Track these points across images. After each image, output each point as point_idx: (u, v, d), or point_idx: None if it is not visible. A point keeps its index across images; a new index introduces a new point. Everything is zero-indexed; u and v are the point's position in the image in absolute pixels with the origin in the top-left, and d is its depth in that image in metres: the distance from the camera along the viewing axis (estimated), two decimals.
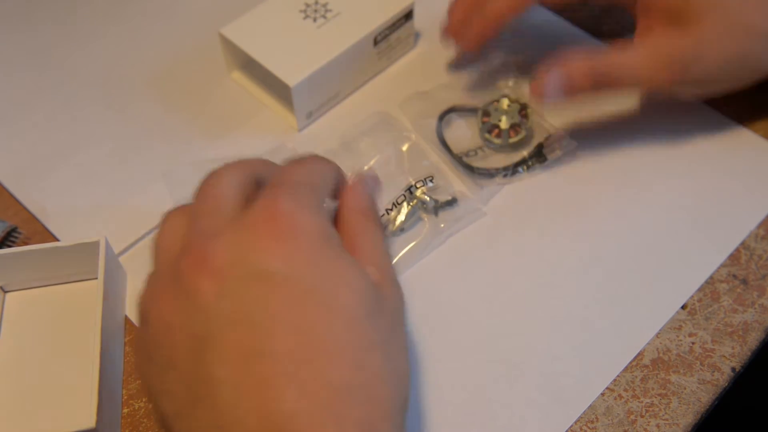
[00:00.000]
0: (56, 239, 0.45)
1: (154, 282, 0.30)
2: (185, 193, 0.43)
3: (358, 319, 0.28)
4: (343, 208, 0.33)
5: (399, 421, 0.28)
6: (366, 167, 0.46)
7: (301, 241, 0.28)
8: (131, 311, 0.42)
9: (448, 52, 0.51)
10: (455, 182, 0.45)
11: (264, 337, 0.26)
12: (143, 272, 0.43)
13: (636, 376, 0.39)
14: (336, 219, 0.33)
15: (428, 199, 0.44)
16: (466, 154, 0.46)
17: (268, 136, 0.48)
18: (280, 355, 0.26)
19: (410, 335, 0.40)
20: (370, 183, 0.35)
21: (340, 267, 0.28)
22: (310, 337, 0.26)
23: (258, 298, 0.27)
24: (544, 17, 0.53)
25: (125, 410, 0.39)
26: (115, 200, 0.46)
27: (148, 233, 0.44)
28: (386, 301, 0.30)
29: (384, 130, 0.47)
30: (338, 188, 0.34)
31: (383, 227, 0.34)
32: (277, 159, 0.35)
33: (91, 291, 0.41)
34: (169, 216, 0.32)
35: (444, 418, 0.37)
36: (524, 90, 0.49)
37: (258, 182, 0.32)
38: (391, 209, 0.44)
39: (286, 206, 0.28)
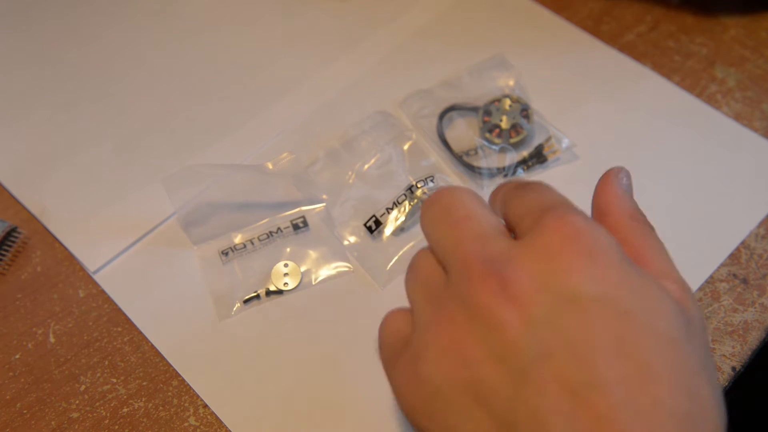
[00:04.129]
0: (56, 239, 0.45)
1: (427, 316, 0.28)
2: (184, 198, 0.43)
3: (678, 342, 0.25)
4: (610, 216, 0.30)
5: None
6: (366, 166, 0.46)
7: (608, 259, 0.25)
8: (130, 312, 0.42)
9: None
10: (455, 182, 0.45)
11: (588, 366, 0.24)
12: (144, 271, 0.43)
13: None
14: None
15: None
16: (467, 154, 0.46)
17: (269, 135, 0.48)
18: (612, 385, 0.23)
19: None
20: (624, 179, 0.31)
21: (647, 286, 0.26)
22: (638, 362, 0.24)
23: (573, 325, 0.24)
24: (545, 17, 0.53)
25: (125, 410, 0.39)
26: (115, 200, 0.46)
27: (148, 233, 0.44)
28: (693, 322, 0.27)
29: (384, 129, 0.47)
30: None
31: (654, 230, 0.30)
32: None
33: None
34: (418, 255, 0.30)
35: None
36: (525, 90, 0.49)
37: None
38: (392, 209, 0.44)
39: (583, 223, 0.26)
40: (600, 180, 0.31)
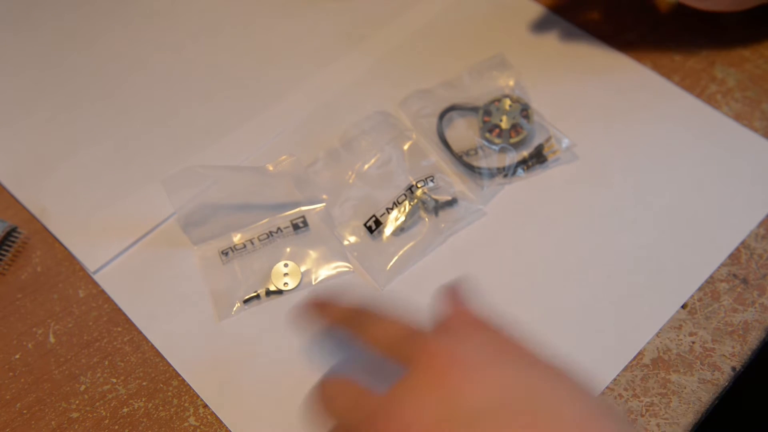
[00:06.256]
0: (56, 239, 0.45)
1: None
2: (184, 199, 0.43)
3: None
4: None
5: None
6: (366, 166, 0.46)
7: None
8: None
9: None
10: (456, 182, 0.45)
11: None
12: (144, 271, 0.43)
13: (636, 376, 0.39)
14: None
15: (429, 198, 0.44)
16: (467, 154, 0.46)
17: (269, 135, 0.48)
18: None
19: None
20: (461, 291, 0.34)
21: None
22: None
23: None
24: (544, 17, 0.53)
25: (125, 410, 0.39)
26: (115, 200, 0.46)
27: (148, 233, 0.44)
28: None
29: (385, 129, 0.47)
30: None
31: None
32: None
33: None
34: None
35: None
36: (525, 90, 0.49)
37: None
38: (392, 209, 0.44)
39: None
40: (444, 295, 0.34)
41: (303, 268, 0.43)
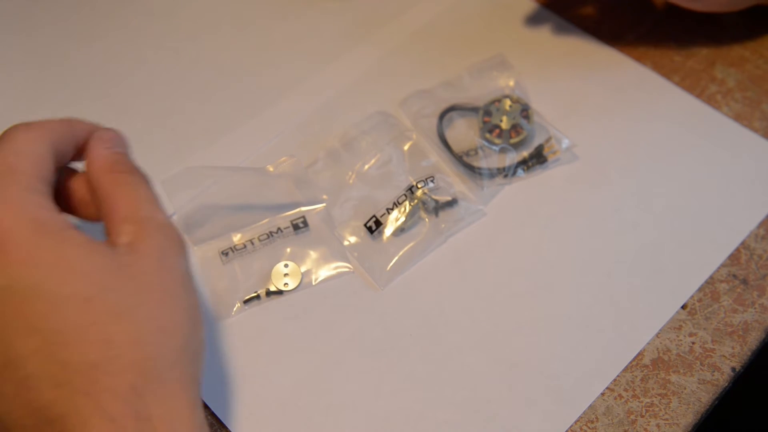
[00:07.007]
0: None
1: None
2: (184, 199, 0.43)
3: (91, 299, 0.29)
4: (89, 173, 0.34)
5: (175, 374, 0.29)
6: (366, 166, 0.46)
7: (9, 248, 0.29)
8: None
9: None
10: (456, 182, 0.45)
11: (10, 346, 0.28)
12: None
13: (636, 376, 0.39)
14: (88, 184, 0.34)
15: (429, 199, 0.44)
16: (467, 154, 0.46)
17: (269, 135, 0.48)
18: (28, 358, 0.28)
19: (410, 335, 0.40)
20: (114, 140, 0.35)
21: (61, 254, 0.29)
22: (48, 333, 0.28)
23: None
24: (545, 17, 0.53)
25: None
26: None
27: None
28: (139, 260, 0.30)
29: (385, 129, 0.47)
30: (76, 144, 0.34)
31: (144, 177, 0.34)
32: None
33: None
34: None
35: (444, 418, 0.37)
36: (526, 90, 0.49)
37: None
38: (392, 209, 0.44)
39: None
40: (90, 143, 0.34)
41: (303, 269, 0.43)
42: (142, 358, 0.29)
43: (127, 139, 0.36)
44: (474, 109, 0.48)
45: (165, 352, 0.30)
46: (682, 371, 0.39)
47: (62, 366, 0.28)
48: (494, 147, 0.46)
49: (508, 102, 0.47)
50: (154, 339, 0.29)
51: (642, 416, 0.38)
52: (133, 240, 0.31)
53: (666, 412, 0.38)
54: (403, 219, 0.43)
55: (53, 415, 0.28)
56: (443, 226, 0.44)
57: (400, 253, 0.43)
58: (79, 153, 0.35)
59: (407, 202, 0.44)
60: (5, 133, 0.32)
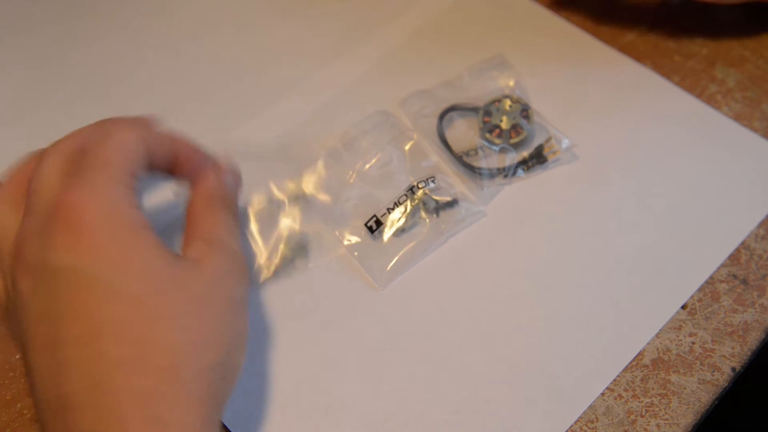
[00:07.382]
0: None
1: None
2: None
3: (139, 298, 0.30)
4: (192, 193, 0.36)
5: (195, 387, 0.30)
6: (367, 166, 0.46)
7: (86, 233, 0.30)
8: None
9: None
10: (456, 183, 0.45)
11: (58, 327, 0.29)
12: None
13: (636, 376, 0.39)
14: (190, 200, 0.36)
15: (429, 199, 0.44)
16: (467, 154, 0.46)
17: (269, 135, 0.48)
18: (69, 341, 0.29)
19: (410, 335, 0.40)
20: (229, 175, 0.37)
21: (128, 250, 0.30)
22: (90, 322, 0.29)
23: (55, 293, 0.30)
24: (545, 17, 0.54)
25: None
26: None
27: None
28: (197, 275, 0.32)
29: (385, 129, 0.47)
30: (171, 158, 0.36)
31: (236, 211, 0.37)
32: None
33: None
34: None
35: (444, 418, 0.37)
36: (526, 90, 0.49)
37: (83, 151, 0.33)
38: (393, 209, 0.44)
39: (74, 197, 0.30)
40: (211, 168, 0.37)
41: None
42: (168, 365, 0.30)
43: (241, 179, 0.38)
44: (474, 109, 0.48)
45: (190, 365, 0.30)
46: (682, 371, 0.39)
47: (94, 358, 0.29)
48: (494, 147, 0.46)
49: (508, 102, 0.47)
50: (184, 349, 0.30)
51: (642, 416, 0.38)
52: (201, 257, 0.33)
53: (666, 412, 0.38)
54: (403, 219, 0.43)
55: (73, 405, 0.29)
56: (444, 226, 0.44)
57: (401, 253, 0.43)
58: (175, 168, 0.36)
59: (408, 202, 0.44)
60: (107, 125, 0.34)
